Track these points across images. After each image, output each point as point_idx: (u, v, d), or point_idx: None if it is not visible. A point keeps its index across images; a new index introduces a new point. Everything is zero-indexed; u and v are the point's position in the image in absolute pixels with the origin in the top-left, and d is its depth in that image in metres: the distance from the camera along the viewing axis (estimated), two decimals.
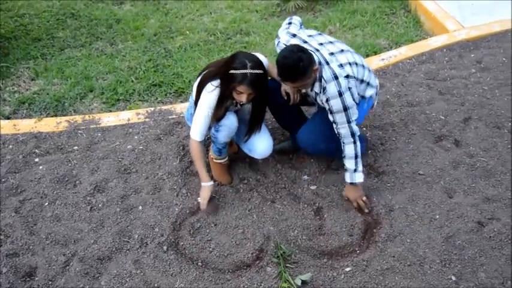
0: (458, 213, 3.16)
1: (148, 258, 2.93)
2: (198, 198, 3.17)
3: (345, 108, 2.90)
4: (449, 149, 3.62)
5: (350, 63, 2.94)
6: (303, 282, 2.79)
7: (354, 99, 2.92)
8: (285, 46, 2.93)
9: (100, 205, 3.24)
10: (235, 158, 3.53)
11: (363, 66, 3.06)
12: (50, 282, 2.81)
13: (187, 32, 5.07)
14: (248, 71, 2.71)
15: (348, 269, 2.86)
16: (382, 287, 2.77)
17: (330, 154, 3.44)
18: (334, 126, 2.99)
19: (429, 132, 3.76)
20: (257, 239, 3.03)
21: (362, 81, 3.05)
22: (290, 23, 3.19)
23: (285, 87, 3.16)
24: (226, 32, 5.07)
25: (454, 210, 3.18)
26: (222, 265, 2.91)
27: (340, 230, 3.09)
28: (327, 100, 2.90)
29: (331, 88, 2.87)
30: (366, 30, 5.05)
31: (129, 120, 3.93)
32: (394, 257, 2.92)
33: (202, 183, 3.10)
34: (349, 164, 3.06)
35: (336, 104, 2.89)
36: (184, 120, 3.78)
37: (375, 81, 3.20)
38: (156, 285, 2.80)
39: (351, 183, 3.10)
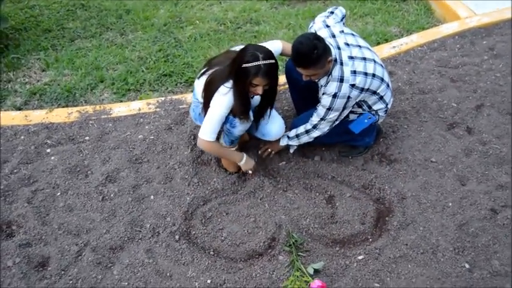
0: (471, 200, 3.11)
1: (161, 247, 2.92)
2: (249, 171, 3.22)
3: (330, 108, 2.92)
4: (461, 136, 3.57)
5: (366, 74, 2.88)
6: (316, 270, 2.77)
7: (345, 107, 2.93)
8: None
9: (112, 195, 3.23)
10: (245, 146, 3.49)
11: (382, 79, 2.98)
12: (63, 272, 2.80)
13: (197, 22, 5.02)
14: (261, 62, 2.65)
15: (360, 257, 2.84)
16: (395, 275, 2.75)
17: (322, 143, 3.46)
18: (313, 111, 3.04)
19: (441, 120, 3.71)
20: (269, 227, 3.01)
21: (374, 92, 3.00)
22: (332, 12, 3.13)
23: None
24: (236, 22, 5.01)
25: (467, 197, 3.14)
26: (234, 254, 2.90)
27: (352, 218, 3.06)
28: (323, 93, 2.92)
29: (332, 86, 2.86)
30: (376, 18, 4.98)
31: (139, 110, 3.91)
32: (406, 245, 2.89)
33: (241, 162, 3.14)
34: (291, 131, 3.24)
35: (326, 100, 2.90)
36: None
37: (389, 99, 3.14)
38: (168, 274, 2.78)
39: (283, 141, 3.28)
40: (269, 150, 3.37)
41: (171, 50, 4.61)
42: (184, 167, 3.39)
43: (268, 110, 3.08)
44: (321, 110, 2.96)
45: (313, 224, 3.04)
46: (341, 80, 2.83)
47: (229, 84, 2.79)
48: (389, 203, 3.15)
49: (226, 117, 2.91)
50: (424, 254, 2.84)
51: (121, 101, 4.08)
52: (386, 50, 4.44)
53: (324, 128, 3.05)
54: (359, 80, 2.85)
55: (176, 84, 4.26)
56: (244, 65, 2.66)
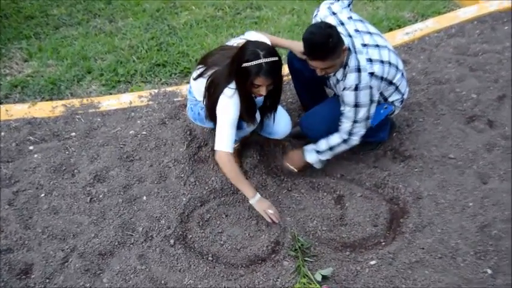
0: (494, 200, 3.10)
1: (154, 252, 2.91)
2: (269, 211, 2.93)
3: (356, 105, 2.86)
4: (482, 130, 3.56)
5: (382, 61, 2.86)
6: (324, 277, 2.75)
7: (371, 99, 2.87)
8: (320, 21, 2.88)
9: (101, 196, 3.22)
10: (247, 143, 3.48)
11: (397, 68, 2.97)
12: (47, 280, 2.79)
13: (193, 7, 5.01)
14: (263, 60, 2.61)
15: (372, 263, 2.83)
16: (410, 281, 2.73)
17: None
18: (340, 117, 2.97)
19: (460, 112, 3.69)
20: (273, 230, 2.99)
21: (391, 83, 2.98)
22: None
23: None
24: (235, 7, 4.99)
25: (489, 197, 3.12)
26: (235, 259, 2.88)
27: (363, 220, 3.04)
28: (343, 89, 2.88)
29: (350, 79, 2.83)
30: (388, 2, 4.97)
31: (131, 103, 3.89)
32: (423, 248, 2.88)
33: (252, 200, 2.90)
34: (320, 144, 3.08)
35: (349, 96, 2.86)
36: None
37: (405, 89, 3.14)
38: (162, 281, 2.77)
39: (303, 152, 3.16)
40: (291, 167, 3.25)
41: (165, 38, 4.60)
42: (179, 164, 3.37)
43: (270, 113, 3.08)
44: (348, 111, 2.91)
45: (320, 226, 3.02)
46: (358, 70, 2.81)
47: (233, 85, 2.76)
48: (404, 203, 3.14)
49: None
50: (442, 259, 2.82)
51: (110, 94, 4.06)
52: (399, 36, 4.43)
53: (360, 130, 2.99)
54: (377, 68, 2.83)
55: (170, 75, 4.24)
56: (244, 65, 2.62)
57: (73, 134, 3.65)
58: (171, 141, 3.55)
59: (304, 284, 2.71)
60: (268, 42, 2.89)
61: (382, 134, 3.36)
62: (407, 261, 2.82)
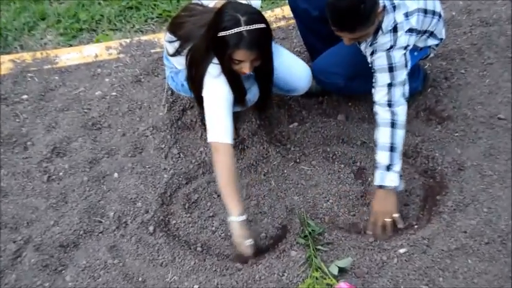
0: None
1: (129, 243, 2.91)
2: (246, 242, 2.79)
3: (391, 68, 2.82)
4: None
5: (418, 10, 2.83)
6: (341, 269, 2.75)
7: (406, 60, 2.84)
8: None
9: (61, 173, 3.22)
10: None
11: (433, 13, 2.95)
12: None
13: None
14: (243, 28, 2.55)
15: (402, 251, 2.82)
16: (449, 273, 2.73)
17: (350, 89, 3.33)
18: (373, 89, 2.91)
19: None
20: (277, 213, 3.00)
21: (425, 32, 2.98)
22: None
23: None
24: None
25: None
26: (230, 250, 2.89)
27: None
28: (372, 53, 2.85)
29: (384, 40, 2.80)
30: None
31: (96, 57, 3.88)
32: (465, 232, 2.86)
33: (234, 218, 2.74)
34: (381, 157, 2.86)
35: (380, 59, 2.82)
36: None
37: (442, 33, 3.12)
38: (140, 278, 2.78)
39: (380, 187, 2.88)
40: (386, 222, 2.92)
41: None
42: (159, 133, 3.37)
43: (269, 91, 3.07)
44: (382, 77, 2.85)
45: (337, 207, 3.03)
46: (394, 29, 2.78)
47: (217, 60, 2.74)
48: (442, 176, 3.13)
49: None
50: (489, 245, 2.81)
51: (70, 45, 4.05)
52: None
53: (401, 97, 2.86)
54: (413, 21, 2.80)
55: (146, 20, 4.23)
56: (220, 34, 2.57)
57: (24, 96, 3.64)
58: (148, 103, 3.54)
59: (316, 278, 2.71)
60: (257, 3, 2.88)
61: (415, 84, 3.32)
62: (446, 248, 2.81)
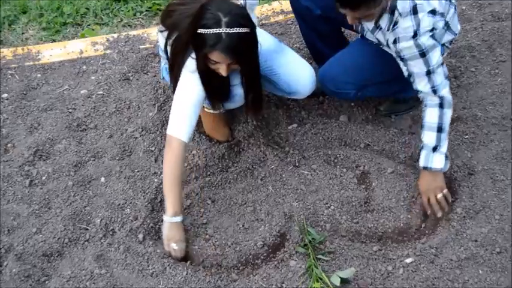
0: None
1: (117, 252, 2.91)
2: (172, 245, 2.89)
3: (422, 53, 2.81)
4: None
5: None
6: (343, 280, 2.76)
7: (436, 40, 2.83)
8: None
9: (44, 178, 3.22)
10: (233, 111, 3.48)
11: (450, 1, 2.97)
12: None
13: None
14: (223, 30, 2.57)
15: (409, 260, 2.83)
16: (459, 284, 2.74)
17: (361, 98, 3.39)
18: (412, 82, 2.94)
19: None
20: (275, 220, 3.00)
21: (445, 22, 2.96)
22: None
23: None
24: None
25: None
26: (225, 259, 2.89)
27: (396, 205, 3.05)
28: (395, 41, 2.84)
29: (405, 25, 2.78)
30: None
31: (81, 53, 3.89)
32: (476, 241, 2.88)
33: (167, 218, 2.88)
34: (427, 137, 2.94)
35: (408, 48, 2.81)
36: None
37: (457, 27, 3.13)
38: None
39: (425, 168, 2.98)
40: (432, 198, 3.03)
41: None
42: (149, 134, 3.38)
43: (260, 95, 3.05)
44: (416, 66, 2.86)
45: (338, 213, 3.03)
46: (414, 11, 2.77)
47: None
48: (451, 181, 3.14)
49: None
50: (501, 254, 2.82)
51: (54, 41, 4.05)
52: None
53: (441, 80, 2.89)
54: (435, 2, 2.80)
55: (134, 14, 4.25)
56: (200, 30, 2.60)
57: (4, 95, 3.65)
58: (137, 103, 3.55)
59: None
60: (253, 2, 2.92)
61: None
62: (456, 258, 2.83)
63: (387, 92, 3.30)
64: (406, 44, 2.80)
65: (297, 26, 3.72)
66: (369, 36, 3.04)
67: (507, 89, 3.51)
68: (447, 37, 3.07)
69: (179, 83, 2.83)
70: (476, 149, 3.26)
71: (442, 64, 2.89)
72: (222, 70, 2.70)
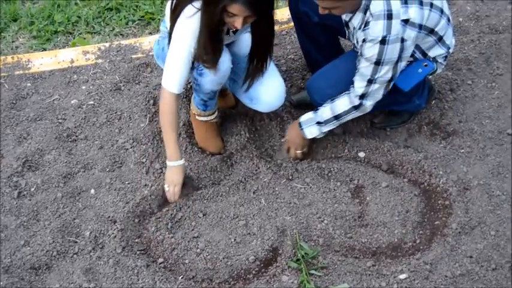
0: None
1: (106, 265, 2.91)
2: (165, 186, 3.13)
3: (378, 62, 2.85)
4: None
5: (422, 3, 2.84)
6: None
7: (400, 55, 2.86)
8: None
9: (32, 189, 3.22)
10: (231, 114, 3.48)
11: (441, 12, 2.96)
12: None
13: None
14: None
15: (403, 276, 2.84)
16: None
17: None
18: (355, 73, 2.98)
19: None
20: (267, 234, 3.00)
21: (432, 31, 2.97)
22: None
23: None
24: None
25: None
26: (216, 274, 2.89)
27: (390, 220, 3.06)
28: (364, 40, 2.85)
29: (376, 28, 2.79)
30: None
31: (72, 62, 3.88)
32: (471, 257, 2.89)
33: (168, 162, 3.08)
34: (324, 111, 3.13)
35: (371, 49, 2.83)
36: (154, 60, 3.71)
37: (451, 41, 3.13)
38: None
39: (300, 126, 3.22)
40: (292, 150, 3.34)
41: None
42: (140, 146, 3.38)
43: (259, 65, 3.07)
44: (365, 68, 2.90)
45: (332, 228, 3.03)
46: (388, 16, 2.77)
47: (198, 3, 2.77)
48: (446, 196, 3.14)
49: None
50: (496, 271, 2.83)
51: (44, 50, 4.05)
52: None
53: (377, 94, 2.99)
54: (413, 13, 2.80)
55: (127, 23, 4.25)
56: None
57: None
58: (128, 113, 3.55)
59: None
60: None
61: (418, 101, 3.35)
62: (450, 274, 2.84)
63: (378, 104, 3.30)
64: (371, 45, 2.82)
65: (291, 36, 3.75)
66: (354, 39, 3.05)
67: (504, 103, 3.52)
68: (438, 50, 3.08)
69: (174, 31, 2.85)
70: (472, 164, 3.26)
71: (390, 81, 2.94)
72: (238, 23, 2.71)
